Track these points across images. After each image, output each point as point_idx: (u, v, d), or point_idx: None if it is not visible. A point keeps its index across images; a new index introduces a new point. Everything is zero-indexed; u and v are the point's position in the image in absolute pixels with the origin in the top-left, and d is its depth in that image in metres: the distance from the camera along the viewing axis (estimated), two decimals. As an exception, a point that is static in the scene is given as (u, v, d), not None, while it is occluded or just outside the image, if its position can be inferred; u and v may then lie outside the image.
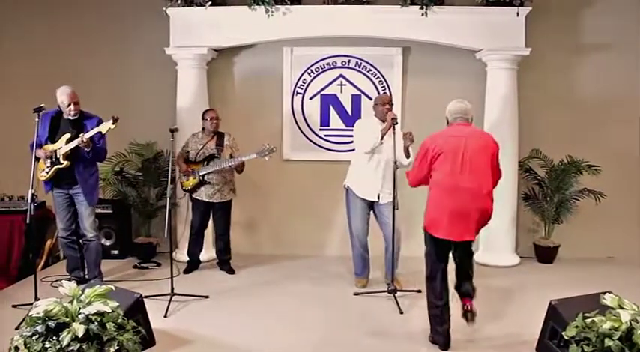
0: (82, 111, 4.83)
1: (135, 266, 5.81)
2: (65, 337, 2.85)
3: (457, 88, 5.91)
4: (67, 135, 4.70)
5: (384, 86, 6.22)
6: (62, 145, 4.69)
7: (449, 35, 5.73)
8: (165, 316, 4.36)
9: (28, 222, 4.28)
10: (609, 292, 3.27)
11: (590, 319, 3.07)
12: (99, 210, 5.60)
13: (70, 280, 3.42)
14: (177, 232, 5.97)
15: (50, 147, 4.74)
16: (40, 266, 5.59)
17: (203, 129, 5.47)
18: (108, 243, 6.02)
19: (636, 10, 6.09)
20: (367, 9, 5.78)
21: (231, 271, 5.61)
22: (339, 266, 5.78)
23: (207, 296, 4.81)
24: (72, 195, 4.90)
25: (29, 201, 4.28)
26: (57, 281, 4.93)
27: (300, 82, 6.29)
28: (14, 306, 4.44)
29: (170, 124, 5.23)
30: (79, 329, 2.85)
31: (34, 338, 2.90)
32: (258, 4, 5.68)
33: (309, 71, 6.28)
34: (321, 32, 5.82)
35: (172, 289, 4.64)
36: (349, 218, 5.15)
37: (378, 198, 4.97)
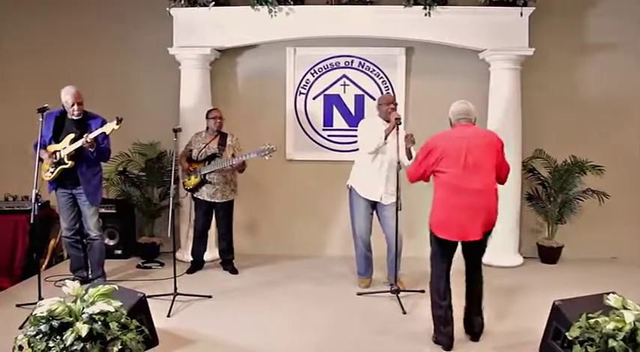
0: (86, 112, 4.85)
1: (138, 266, 5.82)
2: (69, 336, 2.85)
3: (460, 88, 5.91)
4: (71, 136, 4.71)
5: (387, 86, 6.22)
6: (66, 145, 4.71)
7: (452, 35, 5.72)
8: (168, 316, 4.37)
9: (32, 221, 4.30)
10: (613, 292, 3.26)
11: (593, 320, 3.06)
12: (102, 210, 5.62)
13: (73, 280, 3.44)
14: (181, 232, 5.98)
15: (54, 147, 4.76)
16: (43, 266, 5.60)
17: (207, 128, 5.48)
18: (111, 242, 6.03)
19: (640, 10, 6.08)
20: (370, 9, 5.77)
21: (234, 271, 5.61)
22: (342, 267, 5.78)
23: (210, 296, 4.81)
24: (75, 195, 4.91)
25: (33, 200, 4.30)
26: (60, 280, 4.93)
27: (304, 82, 6.29)
28: (18, 306, 4.45)
29: (173, 124, 5.24)
30: (83, 329, 2.86)
31: (37, 337, 2.91)
32: (261, 4, 5.68)
33: (312, 71, 6.28)
34: (325, 32, 5.82)
35: (175, 289, 4.65)
36: (352, 217, 5.15)
37: (381, 199, 4.97)
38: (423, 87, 6.18)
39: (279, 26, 5.77)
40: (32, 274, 5.14)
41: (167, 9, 5.78)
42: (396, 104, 5.02)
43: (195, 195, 5.49)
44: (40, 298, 4.10)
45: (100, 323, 2.94)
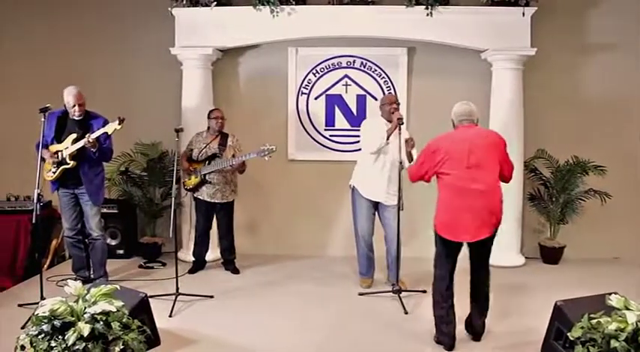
0: (89, 112, 4.85)
1: (140, 266, 5.82)
2: (71, 336, 2.86)
3: (462, 88, 5.90)
4: (74, 136, 4.71)
5: (389, 86, 6.22)
6: (68, 145, 4.71)
7: (454, 35, 5.71)
8: (170, 316, 4.37)
9: (34, 221, 4.30)
10: (615, 293, 3.26)
11: (595, 320, 3.05)
12: (104, 210, 5.63)
13: (75, 279, 3.44)
14: (182, 232, 5.98)
15: (56, 147, 4.76)
16: (45, 266, 5.61)
17: (208, 128, 5.48)
18: (113, 242, 6.04)
19: (642, 10, 6.07)
20: (372, 9, 5.77)
21: (236, 271, 5.61)
22: (343, 267, 5.78)
23: (212, 296, 4.82)
24: (77, 195, 4.92)
25: (35, 200, 4.30)
26: (62, 280, 4.95)
27: (305, 82, 6.29)
28: (20, 305, 4.46)
29: (175, 124, 5.25)
30: (85, 329, 2.86)
31: (39, 337, 2.91)
32: (263, 4, 5.68)
33: (314, 71, 6.28)
34: (326, 32, 5.82)
35: (177, 289, 4.65)
36: (354, 217, 5.15)
37: (384, 200, 4.96)
38: (424, 87, 6.18)
39: (281, 26, 5.77)
40: (34, 274, 5.15)
41: (169, 9, 5.78)
42: (398, 104, 5.01)
43: (195, 195, 5.49)
44: (42, 298, 4.11)
45: (101, 322, 2.95)
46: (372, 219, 5.09)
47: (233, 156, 5.35)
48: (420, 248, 5.46)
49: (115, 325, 2.98)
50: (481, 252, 3.85)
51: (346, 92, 6.28)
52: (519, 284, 5.24)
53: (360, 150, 5.26)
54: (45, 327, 2.93)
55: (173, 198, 4.68)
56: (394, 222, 4.82)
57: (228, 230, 5.60)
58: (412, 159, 4.79)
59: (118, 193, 6.17)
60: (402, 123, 4.75)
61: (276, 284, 5.30)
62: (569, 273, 5.66)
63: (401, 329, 4.17)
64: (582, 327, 3.10)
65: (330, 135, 6.32)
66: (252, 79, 6.34)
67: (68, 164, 4.72)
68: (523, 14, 5.59)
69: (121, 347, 2.94)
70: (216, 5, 5.74)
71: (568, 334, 3.21)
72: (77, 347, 2.85)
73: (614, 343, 2.88)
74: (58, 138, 4.79)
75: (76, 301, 3.07)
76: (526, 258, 6.03)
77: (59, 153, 4.74)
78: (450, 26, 5.67)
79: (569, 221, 6.10)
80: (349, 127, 6.26)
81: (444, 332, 3.79)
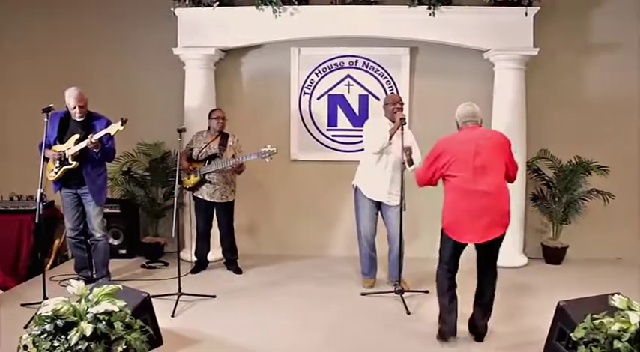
0: (91, 112, 4.86)
1: (142, 266, 5.83)
2: (73, 336, 2.86)
3: (464, 88, 5.91)
4: (76, 136, 4.72)
5: (391, 86, 6.21)
6: (71, 146, 4.72)
7: (456, 35, 5.71)
8: (172, 315, 4.37)
9: (36, 221, 4.31)
10: (618, 293, 3.25)
11: (598, 320, 3.05)
12: (107, 210, 5.63)
13: (78, 279, 3.44)
14: (185, 232, 5.99)
15: (59, 147, 4.77)
16: (48, 266, 5.62)
17: (209, 128, 5.48)
18: (116, 242, 6.04)
19: (645, 10, 6.06)
20: (375, 9, 5.77)
21: (238, 271, 5.62)
22: (345, 267, 5.78)
23: (214, 296, 4.82)
24: (80, 195, 4.93)
25: (38, 200, 4.31)
26: (65, 280, 4.95)
27: (308, 82, 6.29)
28: (23, 305, 4.47)
29: (178, 124, 5.25)
30: (87, 328, 2.87)
31: (42, 336, 2.92)
32: (265, 5, 5.68)
33: (316, 71, 6.28)
34: (329, 32, 5.82)
35: (180, 289, 4.65)
36: (357, 217, 5.15)
37: (386, 200, 4.96)
38: (427, 87, 6.17)
39: (283, 26, 5.77)
40: (37, 273, 5.17)
41: (171, 9, 5.79)
42: (402, 104, 5.01)
43: (194, 195, 5.49)
44: (45, 297, 4.10)
45: (104, 322, 2.95)
46: (374, 219, 5.08)
47: (233, 156, 5.35)
48: (423, 248, 5.46)
49: (118, 325, 2.98)
50: (489, 252, 3.85)
51: (349, 92, 6.27)
52: (522, 285, 5.23)
53: (362, 150, 5.26)
54: (48, 327, 2.93)
55: (175, 198, 4.67)
56: (397, 222, 4.82)
57: (229, 230, 5.60)
58: (412, 163, 4.82)
59: (121, 193, 6.18)
60: (405, 123, 4.75)
61: (278, 284, 5.30)
62: (571, 273, 5.66)
63: (403, 330, 4.17)
64: (585, 328, 3.09)
65: (333, 136, 6.32)
66: (255, 79, 6.34)
67: (71, 164, 4.73)
68: (526, 14, 5.58)
69: (124, 346, 2.95)
70: (219, 5, 5.74)
71: (571, 334, 3.21)
72: (80, 346, 2.85)
73: (616, 343, 2.88)
74: (61, 138, 4.80)
75: (79, 301, 3.08)
76: (529, 258, 6.02)
77: (62, 154, 4.75)
78: (453, 26, 5.66)
79: (572, 221, 6.09)
80: (351, 127, 6.25)
81: (446, 320, 3.83)
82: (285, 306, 4.69)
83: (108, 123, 4.75)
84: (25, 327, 3.83)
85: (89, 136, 4.61)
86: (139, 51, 6.31)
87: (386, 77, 6.22)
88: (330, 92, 6.29)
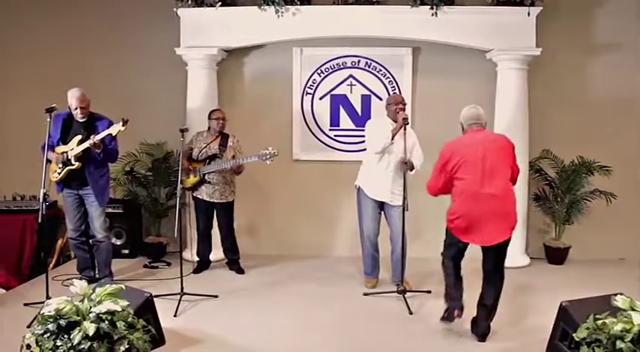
0: (94, 113, 4.87)
1: (145, 266, 5.84)
2: (76, 335, 2.86)
3: (467, 88, 5.91)
4: (79, 137, 4.73)
5: (393, 86, 6.21)
6: (74, 147, 4.73)
7: (459, 35, 5.70)
8: (175, 315, 4.38)
9: (39, 221, 4.32)
10: (621, 294, 3.25)
11: (601, 321, 3.04)
12: (109, 210, 5.65)
13: (80, 279, 3.44)
14: (187, 232, 5.99)
15: (62, 148, 4.78)
16: (51, 265, 5.63)
17: (209, 128, 5.48)
18: (118, 242, 6.05)
19: (648, 10, 6.05)
20: (377, 9, 5.76)
21: (240, 271, 5.62)
22: (348, 267, 5.78)
23: (216, 296, 4.82)
24: (82, 196, 4.93)
25: (41, 200, 4.32)
26: (68, 280, 4.95)
27: (310, 82, 6.29)
28: (26, 305, 4.48)
29: (180, 124, 5.25)
30: (90, 328, 2.87)
31: (45, 336, 2.93)
32: (268, 5, 5.68)
33: (318, 71, 6.28)
34: (331, 32, 5.82)
35: (182, 288, 4.65)
36: (360, 218, 5.15)
37: (389, 200, 4.96)
38: (429, 87, 6.16)
39: (285, 26, 5.77)
40: (40, 273, 5.17)
41: (174, 9, 5.79)
42: (404, 104, 5.00)
43: (194, 195, 5.50)
44: (48, 297, 4.11)
45: (107, 322, 2.96)
46: (377, 219, 5.08)
47: (233, 157, 5.35)
48: (425, 248, 5.45)
49: (120, 324, 2.99)
50: (496, 254, 3.85)
51: (351, 92, 6.27)
52: (524, 285, 5.22)
53: (365, 150, 5.25)
54: (50, 326, 2.94)
55: (178, 198, 4.68)
56: (399, 222, 4.82)
57: (229, 230, 5.60)
58: (413, 168, 4.86)
59: (123, 193, 6.18)
60: (408, 123, 4.76)
61: (280, 284, 5.30)
62: (574, 274, 5.65)
63: (405, 330, 4.17)
64: (588, 328, 3.09)
65: (335, 136, 6.32)
66: (257, 79, 6.34)
67: (73, 165, 4.74)
68: (528, 14, 5.57)
69: (126, 346, 2.95)
70: (221, 5, 5.75)
71: (573, 335, 3.20)
72: (82, 346, 2.86)
73: (619, 344, 2.87)
74: (64, 139, 4.81)
75: (82, 300, 3.08)
76: (531, 258, 6.01)
77: (64, 155, 4.76)
78: (455, 26, 5.66)
79: (575, 221, 6.08)
80: (354, 127, 6.25)
81: (453, 296, 3.89)
82: (287, 306, 4.69)
83: (110, 124, 4.75)
84: (28, 327, 3.84)
85: (91, 137, 4.62)
86: (142, 51, 6.32)
87: (388, 77, 6.22)
88: (333, 92, 6.29)
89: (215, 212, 5.55)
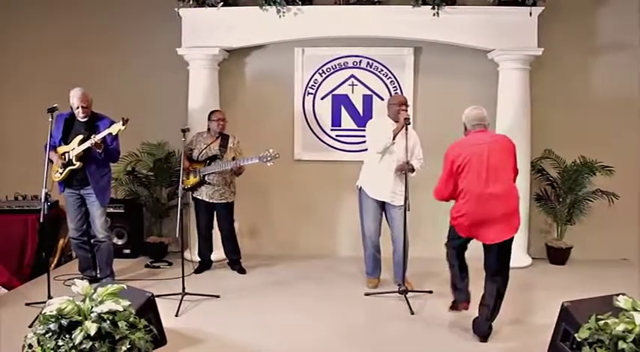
0: (95, 113, 4.88)
1: (146, 266, 5.84)
2: (77, 335, 2.86)
3: (469, 88, 5.91)
4: (80, 137, 4.74)
5: (395, 86, 6.21)
6: (75, 146, 4.73)
7: (460, 35, 5.70)
8: (176, 315, 4.38)
9: (41, 221, 4.32)
10: (623, 294, 3.24)
11: (603, 321, 3.04)
12: (111, 210, 5.66)
13: (82, 279, 3.44)
14: (189, 232, 5.99)
15: (63, 148, 4.79)
16: (52, 265, 5.64)
17: (208, 129, 5.48)
18: (120, 242, 6.06)
19: (651, 10, 6.03)
20: (379, 9, 5.76)
21: (242, 271, 5.62)
22: (350, 267, 5.77)
23: (218, 296, 4.82)
24: (83, 196, 4.94)
25: (43, 200, 4.32)
26: (69, 279, 4.96)
27: (312, 82, 6.29)
28: (27, 304, 4.48)
29: (182, 124, 5.25)
30: (92, 328, 2.87)
31: (47, 336, 2.92)
32: (269, 5, 5.68)
33: (320, 71, 6.28)
34: (333, 32, 5.82)
35: (184, 288, 4.65)
36: (361, 218, 5.14)
37: (390, 200, 4.96)
38: (431, 87, 6.16)
39: (287, 26, 5.77)
40: (41, 273, 5.17)
41: (175, 9, 5.80)
42: (407, 105, 5.00)
43: (194, 195, 5.50)
44: (50, 297, 4.13)
45: (108, 322, 2.95)
46: (379, 220, 5.08)
47: (234, 158, 5.34)
48: (427, 248, 5.45)
49: (122, 324, 2.98)
50: (500, 253, 3.84)
51: (352, 92, 6.27)
52: (526, 285, 5.22)
53: (366, 150, 5.25)
54: (52, 326, 2.93)
55: (179, 198, 4.68)
56: (401, 223, 4.82)
57: (229, 231, 5.60)
58: (414, 170, 4.88)
59: (125, 193, 6.19)
60: (409, 124, 4.76)
61: (282, 284, 5.30)
62: (576, 274, 5.64)
63: (407, 330, 4.16)
64: (589, 328, 3.08)
65: (337, 136, 6.32)
66: (259, 79, 6.34)
67: (74, 165, 4.75)
68: (530, 14, 5.57)
69: (128, 346, 2.94)
70: (223, 5, 5.75)
71: (575, 335, 3.19)
72: (84, 346, 2.85)
73: (621, 344, 2.86)
74: (66, 139, 4.81)
75: (83, 300, 3.08)
76: (533, 258, 6.00)
77: (66, 155, 4.77)
78: (457, 26, 5.65)
79: (576, 221, 6.07)
80: (355, 127, 6.25)
81: (459, 287, 3.96)
82: (288, 306, 4.69)
83: (111, 124, 4.75)
84: (30, 326, 3.84)
85: (92, 137, 4.63)
86: (143, 51, 6.32)
87: (390, 77, 6.22)
88: (334, 92, 6.29)
89: (215, 212, 5.55)
